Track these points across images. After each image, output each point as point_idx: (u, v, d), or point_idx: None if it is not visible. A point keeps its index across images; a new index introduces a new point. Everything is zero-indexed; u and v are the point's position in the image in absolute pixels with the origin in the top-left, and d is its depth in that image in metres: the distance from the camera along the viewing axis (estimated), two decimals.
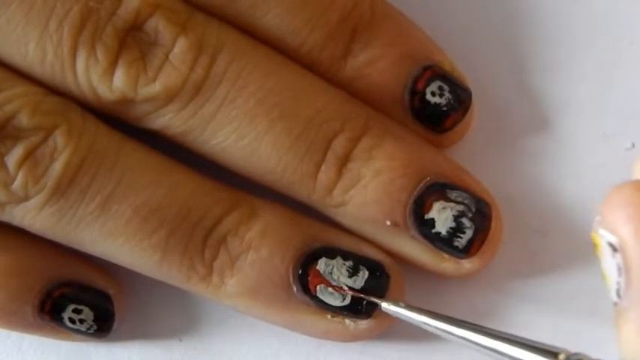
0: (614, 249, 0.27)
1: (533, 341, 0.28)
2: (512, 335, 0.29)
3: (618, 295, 0.26)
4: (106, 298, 0.35)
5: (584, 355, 0.27)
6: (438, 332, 0.31)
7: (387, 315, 0.34)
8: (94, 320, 0.35)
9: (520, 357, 0.28)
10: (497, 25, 0.38)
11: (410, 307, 0.33)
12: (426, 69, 0.35)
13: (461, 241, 0.34)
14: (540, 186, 0.37)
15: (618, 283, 0.26)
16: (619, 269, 0.27)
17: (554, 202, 0.37)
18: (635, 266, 0.26)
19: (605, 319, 0.36)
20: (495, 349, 0.29)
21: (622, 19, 0.38)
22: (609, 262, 0.27)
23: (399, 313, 0.33)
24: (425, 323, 0.32)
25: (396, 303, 0.33)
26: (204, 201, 0.34)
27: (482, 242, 0.34)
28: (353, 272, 0.34)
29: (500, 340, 0.29)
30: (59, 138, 0.32)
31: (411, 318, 0.32)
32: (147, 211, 0.33)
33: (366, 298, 0.34)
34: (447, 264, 0.35)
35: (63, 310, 0.34)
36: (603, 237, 0.27)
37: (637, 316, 0.26)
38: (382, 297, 0.34)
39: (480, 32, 0.38)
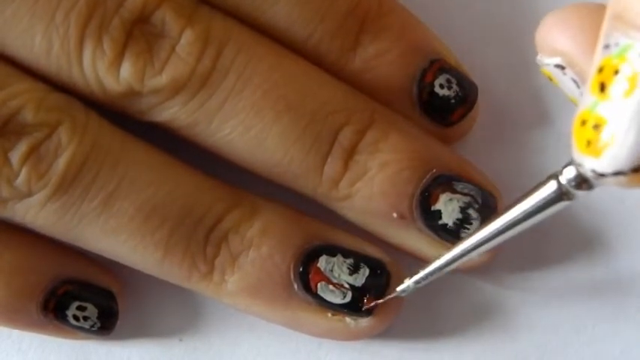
0: (562, 67, 0.28)
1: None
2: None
3: None
4: (110, 295, 0.35)
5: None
6: (456, 262, 0.31)
7: (387, 313, 0.34)
8: (98, 317, 0.35)
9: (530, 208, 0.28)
10: (499, 22, 0.38)
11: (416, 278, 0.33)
12: (433, 62, 0.35)
13: (468, 233, 0.33)
14: None
15: (582, 94, 0.26)
16: (575, 82, 0.27)
17: None
18: (587, 67, 0.26)
19: (605, 316, 0.36)
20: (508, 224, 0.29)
21: None
22: (565, 82, 0.28)
23: (411, 287, 0.33)
24: (439, 268, 0.32)
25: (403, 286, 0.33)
26: (206, 199, 0.34)
27: None
28: (354, 270, 0.34)
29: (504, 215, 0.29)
30: (63, 134, 0.32)
31: (426, 278, 0.33)
32: (149, 209, 0.33)
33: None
34: None
35: (67, 307, 0.34)
36: (549, 65, 0.28)
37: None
38: (382, 294, 0.34)
39: (482, 29, 0.38)
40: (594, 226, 0.37)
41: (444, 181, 0.34)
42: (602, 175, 0.24)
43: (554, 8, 0.37)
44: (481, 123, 0.37)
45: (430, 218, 0.34)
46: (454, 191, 0.34)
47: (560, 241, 0.37)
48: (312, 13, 0.34)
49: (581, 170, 0.25)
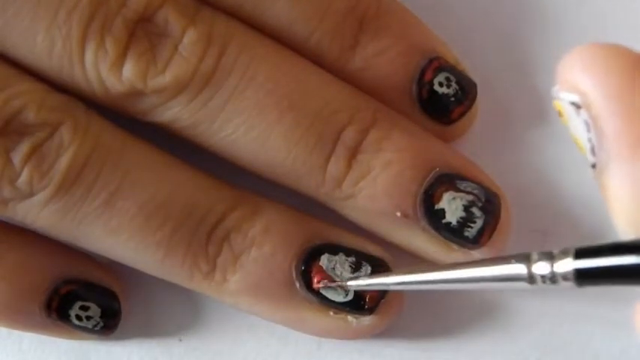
0: (578, 106, 0.26)
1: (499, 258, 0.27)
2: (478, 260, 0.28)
3: (593, 152, 0.26)
4: (113, 295, 0.35)
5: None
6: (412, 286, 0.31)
7: (389, 311, 0.34)
8: (100, 317, 0.35)
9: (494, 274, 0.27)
10: (499, 22, 0.38)
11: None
12: (432, 60, 0.35)
13: (471, 231, 0.34)
14: (541, 184, 0.37)
15: (590, 140, 0.25)
16: (587, 125, 0.26)
17: (555, 200, 0.37)
18: (604, 114, 0.25)
19: (604, 319, 0.36)
20: (471, 278, 0.28)
21: (622, 19, 0.38)
22: (576, 122, 0.26)
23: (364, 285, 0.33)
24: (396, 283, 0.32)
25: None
26: (208, 198, 0.34)
27: (492, 232, 0.34)
28: (355, 268, 0.34)
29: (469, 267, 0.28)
30: (65, 134, 0.32)
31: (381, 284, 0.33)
32: (151, 208, 0.33)
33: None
34: (456, 255, 0.34)
35: (70, 307, 0.34)
36: (564, 99, 0.26)
37: (618, 164, 0.25)
38: (384, 293, 0.34)
39: (482, 29, 0.38)
40: (593, 225, 0.37)
41: (447, 180, 0.34)
42: None
43: (555, 10, 0.38)
44: (481, 122, 0.37)
45: (434, 217, 0.34)
46: (457, 190, 0.34)
47: (559, 244, 0.36)
48: (312, 12, 0.34)
49: None
